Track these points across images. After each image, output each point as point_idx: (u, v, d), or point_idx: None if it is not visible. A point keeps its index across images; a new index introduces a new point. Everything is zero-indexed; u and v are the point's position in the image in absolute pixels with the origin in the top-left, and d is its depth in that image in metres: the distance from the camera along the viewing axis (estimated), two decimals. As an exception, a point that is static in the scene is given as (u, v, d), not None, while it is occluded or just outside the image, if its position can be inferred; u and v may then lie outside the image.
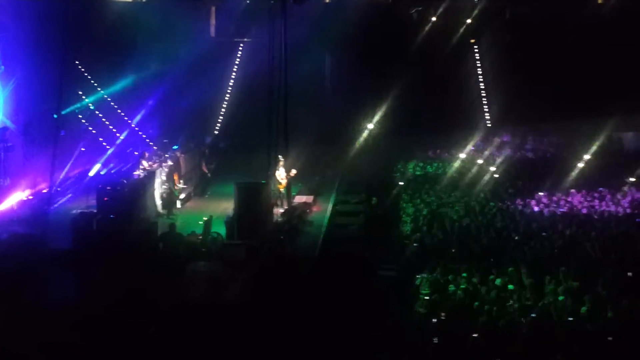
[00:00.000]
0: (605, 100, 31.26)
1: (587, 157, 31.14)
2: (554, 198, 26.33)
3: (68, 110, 26.83)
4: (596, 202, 26.10)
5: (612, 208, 25.42)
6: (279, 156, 22.74)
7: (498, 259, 19.14)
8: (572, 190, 27.09)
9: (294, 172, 23.93)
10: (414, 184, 28.48)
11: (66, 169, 25.27)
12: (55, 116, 23.60)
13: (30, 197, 23.25)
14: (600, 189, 27.29)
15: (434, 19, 34.95)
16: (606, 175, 29.27)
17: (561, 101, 32.09)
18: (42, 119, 25.28)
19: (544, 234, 21.66)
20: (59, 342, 13.98)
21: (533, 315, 15.24)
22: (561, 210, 25.27)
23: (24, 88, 25.18)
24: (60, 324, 14.49)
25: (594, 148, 31.61)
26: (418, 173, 30.79)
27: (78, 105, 28.61)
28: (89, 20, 27.87)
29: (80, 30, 25.48)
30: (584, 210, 25.20)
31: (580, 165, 30.52)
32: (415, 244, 20.58)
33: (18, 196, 23.23)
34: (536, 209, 25.27)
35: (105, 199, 20.62)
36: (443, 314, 15.27)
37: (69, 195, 24.27)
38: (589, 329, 14.77)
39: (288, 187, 23.44)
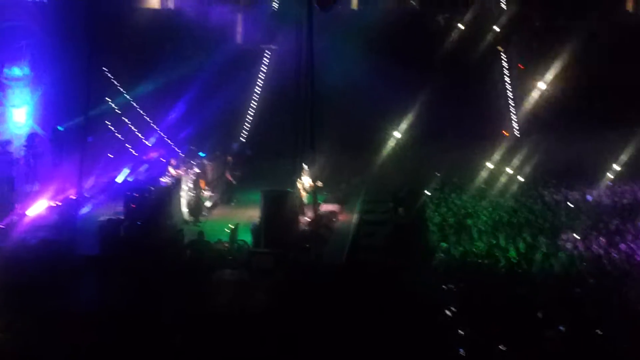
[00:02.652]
0: (635, 108, 30.94)
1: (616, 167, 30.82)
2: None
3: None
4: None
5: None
6: (303, 164, 22.68)
7: (526, 271, 19.02)
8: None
9: (319, 183, 23.90)
10: (440, 193, 28.29)
11: (94, 176, 25.38)
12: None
13: (59, 203, 23.37)
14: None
15: (461, 25, 34.83)
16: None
17: (590, 109, 31.81)
18: (70, 125, 25.41)
19: (568, 245, 21.53)
20: (85, 348, 14.07)
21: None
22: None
23: (52, 94, 25.31)
24: (86, 329, 14.55)
25: (622, 157, 31.27)
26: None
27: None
28: (116, 27, 28.01)
29: (107, 37, 25.58)
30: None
31: (610, 176, 30.28)
32: (442, 254, 20.46)
33: (46, 202, 23.40)
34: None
35: (133, 205, 20.75)
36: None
37: (97, 202, 24.38)
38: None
39: (314, 195, 23.36)
